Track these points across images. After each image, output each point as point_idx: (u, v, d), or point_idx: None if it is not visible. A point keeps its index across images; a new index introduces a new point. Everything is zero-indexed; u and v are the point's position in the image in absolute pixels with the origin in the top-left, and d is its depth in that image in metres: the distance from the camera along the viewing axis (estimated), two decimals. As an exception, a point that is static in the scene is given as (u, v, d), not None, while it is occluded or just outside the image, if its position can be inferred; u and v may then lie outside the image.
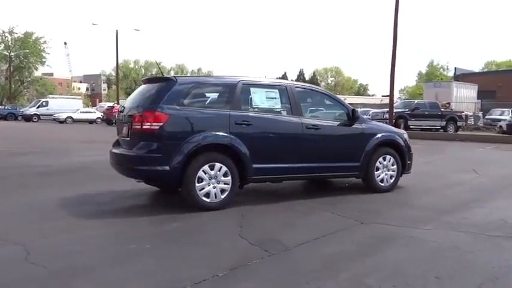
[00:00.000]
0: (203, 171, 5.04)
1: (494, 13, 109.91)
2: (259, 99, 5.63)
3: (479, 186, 7.27)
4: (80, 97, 56.37)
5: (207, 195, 5.09)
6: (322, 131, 5.89)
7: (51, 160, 10.26)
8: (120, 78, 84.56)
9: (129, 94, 77.18)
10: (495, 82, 40.06)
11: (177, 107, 5.00)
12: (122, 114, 5.63)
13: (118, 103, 37.30)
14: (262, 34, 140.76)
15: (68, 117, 33.50)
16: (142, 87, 5.68)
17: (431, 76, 74.27)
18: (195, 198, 5.03)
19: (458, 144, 17.04)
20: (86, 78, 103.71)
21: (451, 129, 22.73)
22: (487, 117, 31.04)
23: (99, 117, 34.79)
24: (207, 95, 5.46)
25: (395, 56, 20.41)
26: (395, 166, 6.62)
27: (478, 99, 35.54)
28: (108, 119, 30.90)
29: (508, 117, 28.16)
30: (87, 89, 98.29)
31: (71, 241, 3.94)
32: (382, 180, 6.48)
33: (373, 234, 4.27)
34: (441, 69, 79.20)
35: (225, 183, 5.19)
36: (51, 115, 34.73)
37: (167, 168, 4.88)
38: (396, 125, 17.33)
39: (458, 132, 22.37)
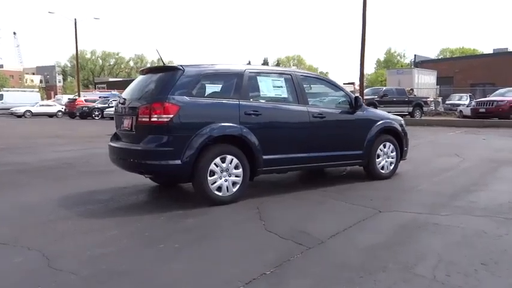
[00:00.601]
0: (215, 164, 4.86)
1: (447, 1, 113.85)
2: (266, 88, 5.47)
3: (469, 170, 7.45)
4: (37, 90, 53.77)
5: (219, 188, 4.92)
6: (327, 119, 5.82)
7: (25, 157, 9.71)
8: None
9: (86, 86, 74.65)
10: (452, 68, 41.61)
11: (186, 98, 4.77)
12: (122, 106, 5.31)
13: (79, 95, 35.96)
14: (225, 23, 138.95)
15: (26, 111, 31.94)
16: (143, 77, 5.39)
17: (389, 63, 76.33)
18: (207, 192, 4.84)
19: (428, 129, 17.52)
20: (39, 70, 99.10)
21: (418, 114, 23.41)
22: (447, 102, 32.22)
23: (60, 111, 33.37)
24: (215, 84, 5.25)
25: (364, 44, 20.70)
26: (394, 153, 6.67)
27: (436, 85, 36.78)
28: (70, 112, 29.68)
29: (466, 102, 29.46)
30: (40, 81, 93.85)
31: (90, 243, 3.67)
32: (382, 168, 6.51)
33: (397, 223, 4.24)
34: (398, 57, 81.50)
35: (236, 176, 5.03)
36: (8, 109, 33.02)
37: (178, 162, 4.66)
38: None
39: (424, 118, 23.07)
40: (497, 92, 22.24)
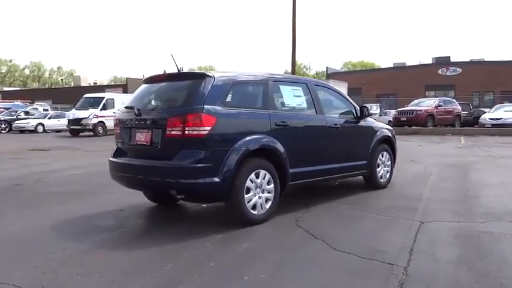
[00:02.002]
0: (250, 180, 4.43)
1: (347, 17, 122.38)
2: (288, 97, 5.16)
3: (444, 176, 7.80)
4: None
5: (254, 207, 4.49)
6: (340, 130, 5.68)
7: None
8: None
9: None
10: (360, 80, 44.52)
11: (221, 108, 4.29)
12: (134, 117, 4.61)
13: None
14: (135, 31, 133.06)
15: None
16: (160, 85, 4.79)
17: (296, 75, 79.79)
18: (244, 212, 4.39)
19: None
20: None
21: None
22: (361, 112, 34.25)
23: None
24: (244, 93, 4.80)
25: (294, 55, 21.17)
26: (389, 162, 6.73)
27: (347, 95, 39.04)
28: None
29: (377, 112, 31.75)
30: None
31: (157, 282, 3.06)
32: (381, 177, 6.53)
33: (451, 233, 4.18)
34: (304, 68, 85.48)
35: (268, 192, 4.64)
36: None
37: (216, 179, 4.15)
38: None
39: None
40: (412, 102, 24.17)
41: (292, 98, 5.24)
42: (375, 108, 34.10)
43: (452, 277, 3.10)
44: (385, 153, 6.59)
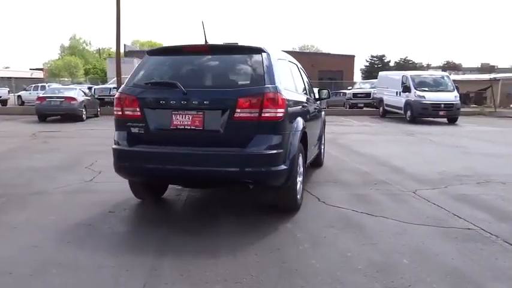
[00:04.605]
0: (298, 164, 4.28)
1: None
2: (298, 78, 5.09)
3: (339, 151, 8.80)
4: None
5: (298, 191, 4.36)
6: (318, 112, 5.90)
7: None
8: None
9: None
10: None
11: (283, 87, 3.99)
12: (178, 97, 3.78)
13: None
14: None
15: None
16: (201, 58, 4.10)
17: (74, 50, 73.67)
18: (296, 197, 4.26)
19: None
20: None
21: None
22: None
23: None
24: (281, 71, 4.45)
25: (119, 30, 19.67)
26: (324, 141, 7.27)
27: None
28: None
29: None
30: None
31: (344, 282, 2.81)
32: (322, 156, 7.01)
33: (449, 198, 4.94)
34: (84, 44, 79.49)
35: (300, 175, 4.56)
36: None
37: (284, 166, 3.85)
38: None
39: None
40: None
41: (299, 78, 5.20)
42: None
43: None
44: (323, 134, 7.10)
